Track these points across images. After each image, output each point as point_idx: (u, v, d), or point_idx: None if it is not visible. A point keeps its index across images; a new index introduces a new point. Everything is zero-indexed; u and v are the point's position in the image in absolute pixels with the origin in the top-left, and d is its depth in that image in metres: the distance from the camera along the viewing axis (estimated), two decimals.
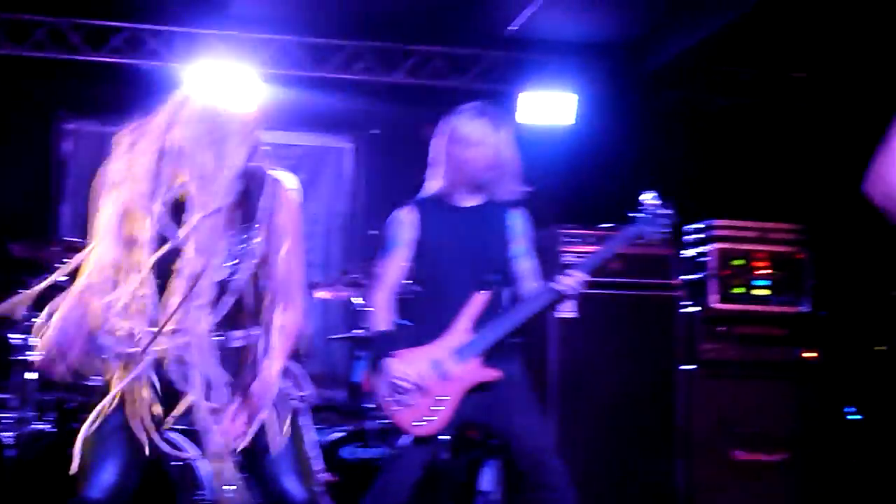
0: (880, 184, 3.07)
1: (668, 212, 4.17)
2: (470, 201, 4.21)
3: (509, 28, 7.49)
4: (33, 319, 3.90)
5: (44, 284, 3.22)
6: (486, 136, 4.12)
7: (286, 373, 3.29)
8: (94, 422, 3.13)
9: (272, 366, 3.21)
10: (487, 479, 5.20)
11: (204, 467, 3.19)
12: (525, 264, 4.24)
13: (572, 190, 7.51)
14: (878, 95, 7.89)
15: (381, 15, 7.39)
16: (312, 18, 7.56)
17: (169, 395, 3.12)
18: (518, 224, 4.25)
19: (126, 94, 7.33)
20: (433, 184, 4.23)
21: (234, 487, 3.15)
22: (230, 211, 3.14)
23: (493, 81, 7.82)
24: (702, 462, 6.08)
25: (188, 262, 3.08)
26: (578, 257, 5.84)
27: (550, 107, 7.70)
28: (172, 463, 3.21)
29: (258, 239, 3.18)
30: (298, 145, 8.09)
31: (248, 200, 3.18)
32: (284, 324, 3.26)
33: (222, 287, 3.15)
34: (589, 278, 4.11)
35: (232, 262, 3.15)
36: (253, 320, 3.27)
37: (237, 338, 3.24)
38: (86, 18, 7.46)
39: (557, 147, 7.83)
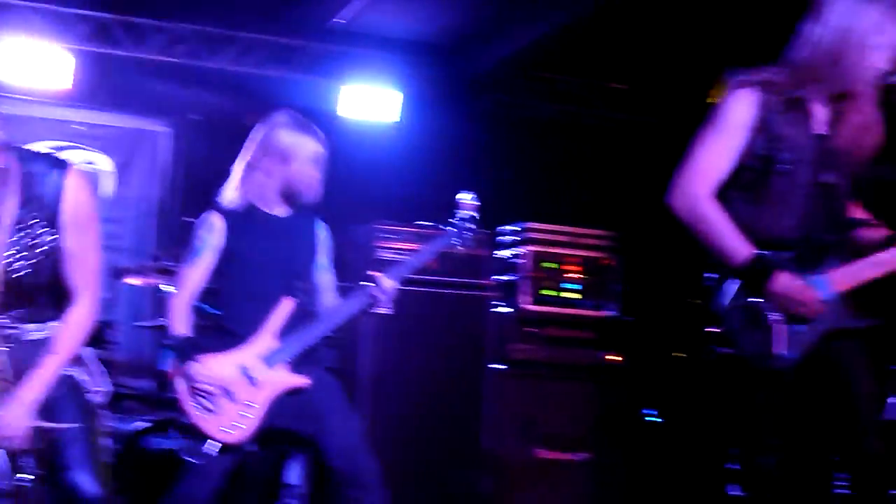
0: (681, 196, 3.20)
1: (473, 226, 4.24)
2: (279, 210, 4.18)
3: (336, 20, 7.45)
4: None
5: None
6: (302, 150, 4.10)
7: (80, 364, 3.21)
8: None
9: (56, 358, 3.11)
10: (294, 473, 5.16)
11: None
12: (326, 276, 4.28)
13: (392, 187, 7.52)
14: (686, 110, 8.17)
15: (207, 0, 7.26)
16: None
17: None
18: (323, 236, 4.28)
19: None
20: (237, 192, 4.17)
21: (31, 478, 3.07)
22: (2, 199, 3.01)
23: (318, 73, 7.77)
24: (507, 460, 6.18)
25: None
26: (394, 254, 5.88)
27: (374, 102, 7.69)
28: None
29: (44, 228, 3.07)
30: (114, 126, 7.86)
31: (29, 187, 3.06)
32: (76, 315, 3.17)
33: (5, 280, 3.03)
34: (398, 286, 4.12)
35: (13, 254, 3.04)
36: (52, 313, 3.17)
37: (32, 331, 3.14)
38: None
39: (379, 144, 7.82)
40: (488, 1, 7.02)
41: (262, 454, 4.96)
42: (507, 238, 6.67)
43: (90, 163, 7.64)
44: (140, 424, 5.27)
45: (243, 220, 4.14)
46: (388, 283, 4.08)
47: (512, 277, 6.54)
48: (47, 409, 3.10)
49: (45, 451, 3.10)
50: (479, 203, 4.60)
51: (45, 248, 3.07)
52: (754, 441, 3.20)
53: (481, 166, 7.80)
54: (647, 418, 6.96)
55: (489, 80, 7.93)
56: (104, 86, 7.55)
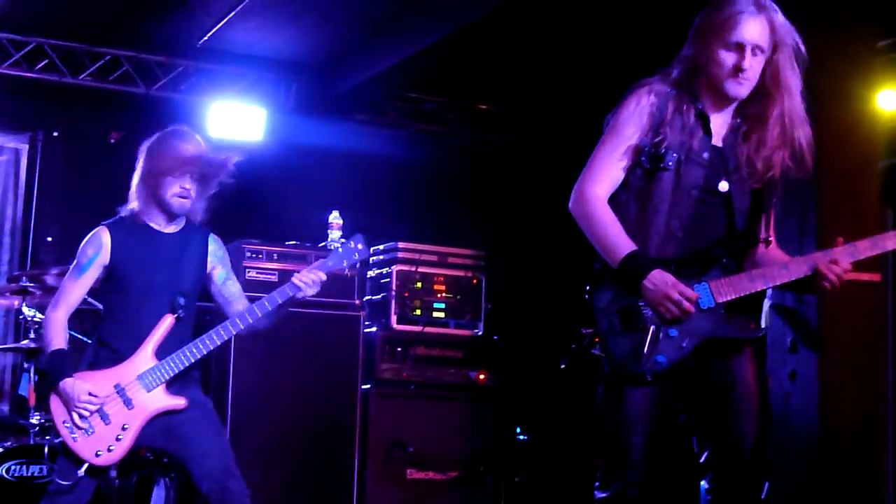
0: (575, 198, 3.22)
1: (361, 247, 4.21)
2: (167, 226, 4.12)
3: (202, 40, 7.38)
4: None
5: None
6: (186, 166, 4.04)
7: None
8: None
9: None
10: (158, 498, 5.08)
11: None
12: (232, 287, 4.24)
13: (258, 206, 7.46)
14: (552, 131, 8.32)
15: (68, 15, 7.10)
16: None
17: None
18: (216, 249, 4.23)
19: None
20: (133, 204, 4.10)
21: None
22: None
23: (183, 91, 7.67)
24: (377, 481, 6.18)
25: None
26: (262, 274, 5.84)
27: (240, 121, 7.62)
28: None
29: None
30: None
31: None
32: None
33: None
34: (324, 278, 4.07)
35: None
36: None
37: None
38: None
39: (245, 162, 7.75)
40: (356, 21, 7.04)
41: (126, 480, 4.88)
42: (376, 257, 6.69)
43: None
44: None
45: (130, 236, 4.07)
46: (311, 275, 4.03)
47: (381, 297, 6.56)
48: None
49: None
50: (343, 221, 4.63)
51: None
52: (615, 448, 3.21)
53: (348, 185, 7.80)
54: (516, 436, 7.04)
55: (356, 98, 7.94)
56: None
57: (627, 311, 3.14)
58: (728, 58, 3.14)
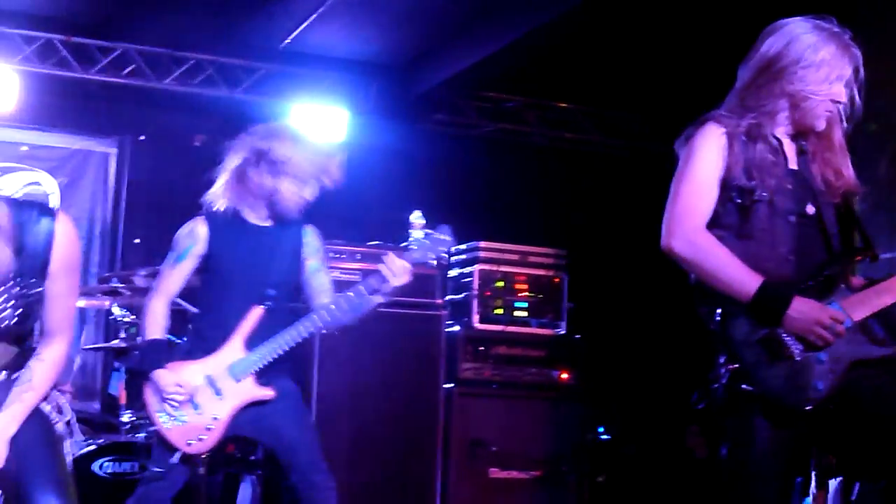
0: (680, 236, 3.12)
1: (447, 238, 4.20)
2: (262, 219, 4.17)
3: (284, 43, 7.46)
4: None
5: None
6: (295, 164, 4.08)
7: (48, 399, 3.22)
8: None
9: (33, 395, 3.13)
10: (245, 495, 5.14)
11: None
12: (322, 279, 4.25)
13: (341, 207, 7.51)
14: (634, 130, 8.27)
15: (153, 20, 7.22)
16: (79, 18, 7.32)
17: None
18: (311, 241, 4.25)
19: None
20: (224, 198, 4.16)
21: None
22: None
23: (265, 94, 7.76)
24: (459, 480, 6.18)
25: None
26: (347, 274, 5.88)
27: (321, 122, 7.69)
28: None
29: (34, 279, 3.07)
30: (60, 147, 7.80)
31: (21, 237, 3.06)
32: (53, 354, 3.19)
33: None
34: (411, 268, 4.03)
35: (3, 304, 3.04)
36: (28, 356, 3.18)
37: (8, 372, 3.15)
38: None
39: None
40: (435, 21, 7.06)
41: (213, 477, 4.95)
42: (457, 257, 6.69)
43: (35, 183, 7.56)
44: (88, 448, 5.22)
45: (226, 228, 4.13)
46: (398, 262, 4.00)
47: (462, 296, 6.57)
48: (15, 440, 3.11)
49: (12, 481, 3.10)
50: (425, 221, 4.62)
51: (34, 296, 3.08)
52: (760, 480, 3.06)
53: (429, 185, 7.82)
54: (598, 436, 7.00)
55: (436, 98, 7.96)
56: (49, 106, 7.49)
57: (770, 342, 3.02)
58: (829, 92, 3.14)
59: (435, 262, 4.23)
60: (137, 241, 6.53)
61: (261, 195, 4.12)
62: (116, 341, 5.43)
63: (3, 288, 3.03)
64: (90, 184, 7.89)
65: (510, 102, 8.21)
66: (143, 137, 7.75)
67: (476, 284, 6.52)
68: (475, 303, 6.50)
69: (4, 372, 3.17)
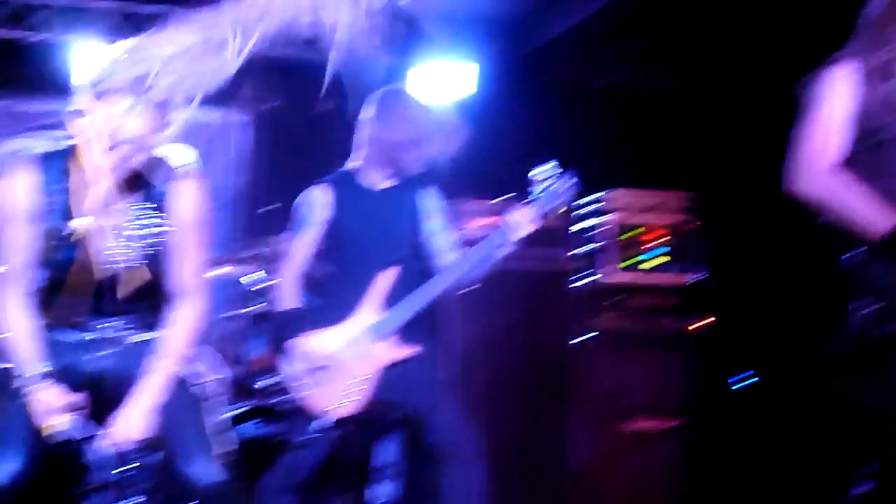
0: (807, 177, 3.05)
1: (573, 185, 4.14)
2: (385, 182, 4.19)
3: (404, 1, 7.45)
4: None
5: None
6: (411, 119, 4.12)
7: (192, 360, 3.29)
8: None
9: (170, 361, 3.20)
10: (388, 454, 5.19)
11: (100, 450, 3.16)
12: (443, 239, 4.25)
13: (467, 164, 7.50)
14: (756, 69, 8.04)
15: None
16: None
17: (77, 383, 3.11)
18: (432, 202, 4.25)
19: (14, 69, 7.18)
20: (347, 162, 4.20)
21: (130, 469, 3.14)
22: (124, 199, 3.08)
23: (388, 54, 7.76)
24: (595, 432, 6.14)
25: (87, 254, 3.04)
26: (472, 230, 5.86)
27: (446, 80, 7.68)
28: (68, 446, 3.17)
29: (160, 228, 3.14)
30: (192, 120, 7.95)
31: (148, 188, 3.13)
32: (187, 317, 3.25)
33: (121, 277, 3.11)
34: (536, 218, 4.01)
35: (132, 252, 3.11)
36: (158, 316, 3.25)
37: (137, 334, 3.22)
38: None
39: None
40: None
41: (357, 436, 5.01)
42: (585, 207, 6.60)
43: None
44: (229, 413, 5.33)
45: (350, 193, 4.16)
46: (520, 214, 3.99)
47: (593, 247, 6.48)
48: (160, 407, 3.20)
49: (160, 446, 3.19)
50: (560, 171, 4.53)
51: (156, 239, 3.14)
52: None
53: (556, 137, 7.74)
54: (737, 384, 6.87)
55: (560, 49, 7.87)
56: None
57: None
58: None
59: (562, 211, 4.19)
60: (269, 208, 6.61)
61: (383, 158, 4.13)
62: (252, 308, 5.52)
63: (129, 229, 3.09)
64: (222, 154, 8.03)
65: (634, 49, 8.08)
66: (267, 106, 7.84)
67: (607, 234, 6.43)
68: (607, 253, 6.41)
69: (126, 332, 3.23)
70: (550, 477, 5.97)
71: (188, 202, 3.22)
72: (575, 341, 6.15)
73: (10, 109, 7.36)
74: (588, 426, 6.14)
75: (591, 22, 7.16)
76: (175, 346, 3.24)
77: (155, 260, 3.18)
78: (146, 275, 3.18)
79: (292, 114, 7.75)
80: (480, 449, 4.17)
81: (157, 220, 3.17)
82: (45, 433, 3.10)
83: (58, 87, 7.11)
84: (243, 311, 5.77)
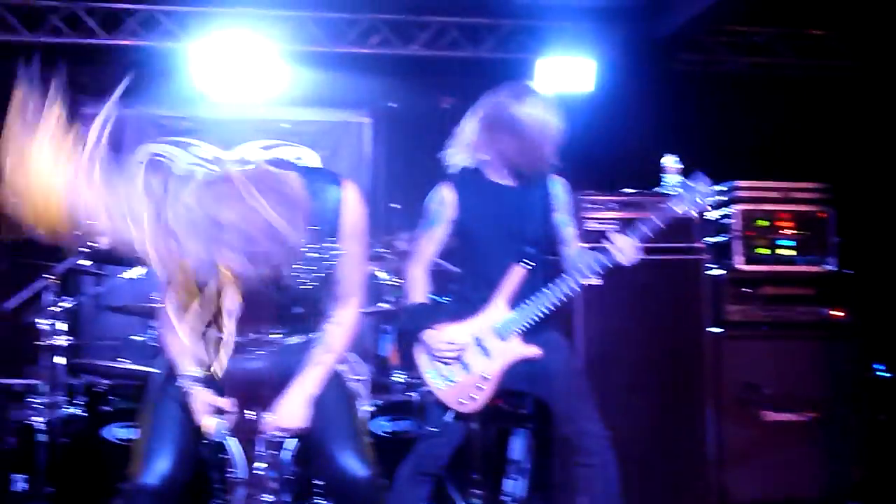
0: None
1: (706, 187, 4.11)
2: (507, 178, 4.20)
3: None
4: (60, 304, 3.94)
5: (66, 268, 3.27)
6: (535, 124, 4.07)
7: (344, 359, 3.37)
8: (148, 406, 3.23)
9: (330, 356, 3.28)
10: (517, 448, 5.21)
11: (235, 446, 3.24)
12: (568, 232, 4.26)
13: (592, 157, 7.47)
14: (890, 52, 7.82)
15: None
16: None
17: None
18: (558, 194, 4.24)
19: (142, 77, 7.36)
20: (467, 160, 4.21)
21: (266, 466, 3.20)
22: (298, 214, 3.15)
23: (510, 50, 7.79)
24: (731, 423, 6.06)
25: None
26: (602, 224, 5.83)
27: (569, 75, 7.65)
28: (205, 441, 3.26)
29: (330, 242, 3.21)
30: (317, 121, 8.08)
31: (314, 203, 3.20)
32: (347, 317, 3.33)
33: (293, 290, 3.20)
34: (638, 245, 4.05)
35: (305, 268, 3.19)
36: (317, 321, 3.33)
37: (293, 338, 3.31)
38: (100, 2, 7.46)
39: (576, 114, 7.77)
40: None
41: (486, 431, 5.04)
42: (716, 198, 6.52)
43: (299, 158, 7.87)
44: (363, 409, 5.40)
45: (473, 190, 4.18)
46: (624, 241, 4.02)
47: (723, 238, 6.41)
48: (315, 400, 3.27)
49: (314, 438, 3.26)
50: (682, 166, 4.53)
51: (328, 261, 3.22)
52: None
53: (680, 127, 7.66)
54: (876, 374, 6.71)
55: (682, 38, 7.78)
56: (304, 82, 7.76)
57: None
58: None
59: (695, 213, 4.16)
60: (397, 206, 6.68)
61: (503, 156, 4.13)
62: (384, 305, 5.59)
63: (305, 253, 3.16)
64: (348, 154, 8.14)
65: (758, 35, 7.94)
66: (394, 105, 7.92)
67: (737, 225, 6.35)
68: (737, 243, 6.33)
69: (303, 335, 3.32)
70: (688, 469, 5.92)
71: (352, 210, 3.29)
72: (709, 331, 6.08)
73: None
74: (724, 417, 6.07)
75: (714, 8, 7.05)
76: (335, 343, 3.32)
77: (326, 277, 3.26)
78: (316, 291, 3.27)
79: (416, 110, 7.82)
80: (614, 441, 4.15)
81: (332, 241, 3.24)
82: (201, 433, 3.18)
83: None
84: (375, 307, 5.84)
